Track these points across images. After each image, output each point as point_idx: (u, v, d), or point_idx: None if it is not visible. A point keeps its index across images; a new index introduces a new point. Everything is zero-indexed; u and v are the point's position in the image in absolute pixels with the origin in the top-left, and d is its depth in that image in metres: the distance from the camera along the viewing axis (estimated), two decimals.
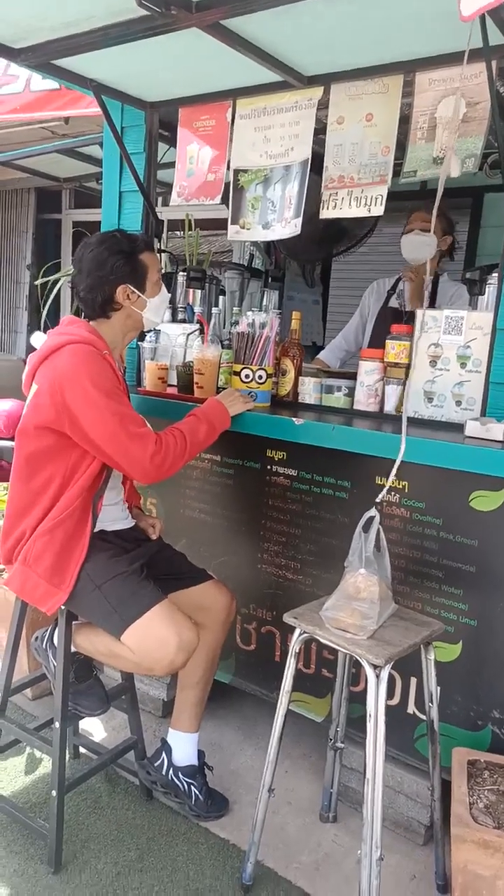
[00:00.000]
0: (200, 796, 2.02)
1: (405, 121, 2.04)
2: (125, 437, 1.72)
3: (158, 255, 2.73)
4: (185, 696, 2.04)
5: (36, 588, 1.79)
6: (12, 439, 2.30)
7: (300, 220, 2.22)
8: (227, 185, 2.41)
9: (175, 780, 2.02)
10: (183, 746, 2.04)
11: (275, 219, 2.29)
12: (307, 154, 2.19)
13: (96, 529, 1.85)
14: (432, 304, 2.73)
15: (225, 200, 2.44)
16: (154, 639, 1.73)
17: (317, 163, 2.22)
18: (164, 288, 1.99)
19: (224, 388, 2.15)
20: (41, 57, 2.12)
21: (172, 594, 1.92)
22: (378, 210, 2.10)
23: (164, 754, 2.04)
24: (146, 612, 1.74)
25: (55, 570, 1.77)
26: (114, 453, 1.74)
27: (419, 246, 2.64)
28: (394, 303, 2.88)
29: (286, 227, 2.26)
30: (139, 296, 1.89)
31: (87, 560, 1.78)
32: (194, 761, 2.04)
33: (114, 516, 1.96)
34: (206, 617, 2.00)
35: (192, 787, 2.01)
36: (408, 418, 2.06)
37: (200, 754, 2.07)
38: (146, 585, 1.81)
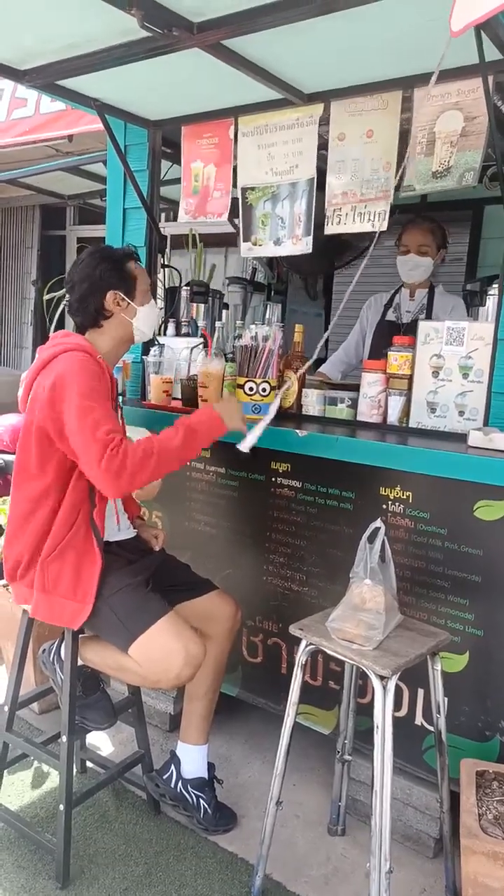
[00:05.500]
0: (209, 809, 2.01)
1: (405, 135, 2.07)
2: (90, 437, 1.65)
3: (163, 269, 2.77)
4: (193, 708, 2.04)
5: (63, 610, 1.79)
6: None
7: (311, 238, 2.28)
8: (234, 201, 2.45)
9: (184, 792, 2.01)
10: (192, 759, 2.03)
11: (285, 235, 2.34)
12: (312, 172, 2.24)
13: None
14: (429, 316, 2.75)
15: (232, 218, 2.47)
16: (160, 652, 1.74)
17: (320, 178, 2.25)
18: (153, 301, 2.01)
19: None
20: (46, 78, 2.16)
21: (178, 605, 1.93)
22: (381, 225, 2.13)
23: (172, 766, 2.04)
24: (153, 625, 1.74)
25: (76, 586, 1.79)
26: (80, 454, 1.68)
27: (416, 268, 2.72)
28: (390, 316, 2.90)
29: (297, 244, 2.33)
30: (129, 303, 1.91)
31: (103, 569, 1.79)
32: (203, 774, 2.04)
33: (111, 527, 1.96)
34: (212, 627, 2.01)
35: (201, 800, 2.01)
36: (411, 429, 2.09)
37: (210, 767, 2.06)
38: (152, 598, 1.82)
